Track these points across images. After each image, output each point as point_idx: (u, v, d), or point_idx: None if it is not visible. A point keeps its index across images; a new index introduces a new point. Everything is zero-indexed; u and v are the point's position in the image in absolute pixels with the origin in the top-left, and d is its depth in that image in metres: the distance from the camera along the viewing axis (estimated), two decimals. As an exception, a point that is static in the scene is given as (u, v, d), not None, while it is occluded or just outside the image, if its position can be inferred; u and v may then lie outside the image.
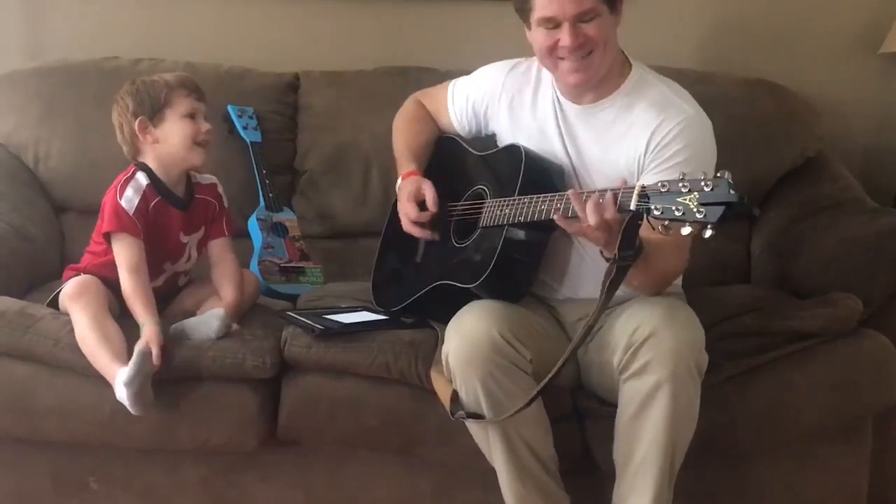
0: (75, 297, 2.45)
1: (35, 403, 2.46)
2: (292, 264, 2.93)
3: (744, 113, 3.03)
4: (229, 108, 3.08)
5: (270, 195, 3.03)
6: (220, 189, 2.68)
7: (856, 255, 2.66)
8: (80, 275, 2.54)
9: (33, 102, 3.05)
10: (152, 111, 2.53)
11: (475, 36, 3.23)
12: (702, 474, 2.49)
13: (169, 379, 2.40)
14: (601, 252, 2.17)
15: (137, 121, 2.53)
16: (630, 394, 2.25)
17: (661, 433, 2.22)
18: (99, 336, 2.38)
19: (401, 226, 2.58)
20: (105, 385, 2.38)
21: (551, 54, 2.37)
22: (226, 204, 2.68)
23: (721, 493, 2.57)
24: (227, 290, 2.58)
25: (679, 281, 2.54)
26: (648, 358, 2.21)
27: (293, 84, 3.21)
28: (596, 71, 2.37)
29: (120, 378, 2.31)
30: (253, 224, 2.97)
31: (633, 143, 2.37)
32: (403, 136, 2.71)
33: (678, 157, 2.32)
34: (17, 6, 3.28)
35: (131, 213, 2.48)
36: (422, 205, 2.53)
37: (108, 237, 2.50)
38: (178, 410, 2.45)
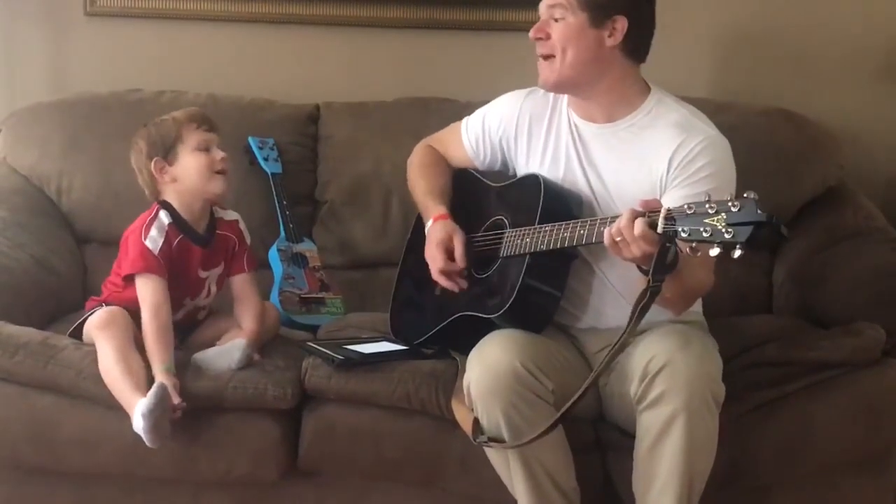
0: (103, 327, 2.46)
1: (57, 434, 2.46)
2: (312, 295, 2.93)
3: (764, 142, 3.03)
4: (250, 139, 3.09)
5: (291, 226, 3.03)
6: (243, 226, 2.69)
7: (879, 285, 2.65)
8: (102, 306, 2.55)
9: (56, 135, 3.07)
10: (165, 150, 2.55)
11: (495, 67, 3.24)
12: (724, 506, 2.48)
13: (190, 409, 2.40)
14: (638, 267, 2.14)
15: (153, 162, 2.55)
16: (646, 425, 2.24)
17: (679, 464, 2.21)
18: (123, 367, 2.39)
19: (419, 257, 2.58)
20: (127, 416, 2.39)
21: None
22: (248, 240, 2.69)
23: (743, 525, 2.55)
24: (247, 321, 2.59)
25: (700, 308, 2.53)
26: (663, 388, 2.20)
27: (314, 115, 3.22)
28: (558, 78, 2.39)
29: (139, 409, 2.32)
30: (273, 255, 2.98)
31: (654, 163, 2.37)
32: (424, 179, 2.69)
33: (703, 172, 2.31)
34: (41, 40, 3.31)
35: (156, 252, 2.50)
36: (451, 253, 2.50)
37: (131, 277, 2.51)
38: (199, 441, 2.45)
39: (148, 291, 2.48)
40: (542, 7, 2.42)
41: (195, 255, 2.58)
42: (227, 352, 2.49)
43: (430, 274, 2.58)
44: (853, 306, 2.64)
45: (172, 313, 2.53)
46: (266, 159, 3.08)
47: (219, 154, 2.56)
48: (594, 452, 2.45)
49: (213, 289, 2.65)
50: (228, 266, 2.65)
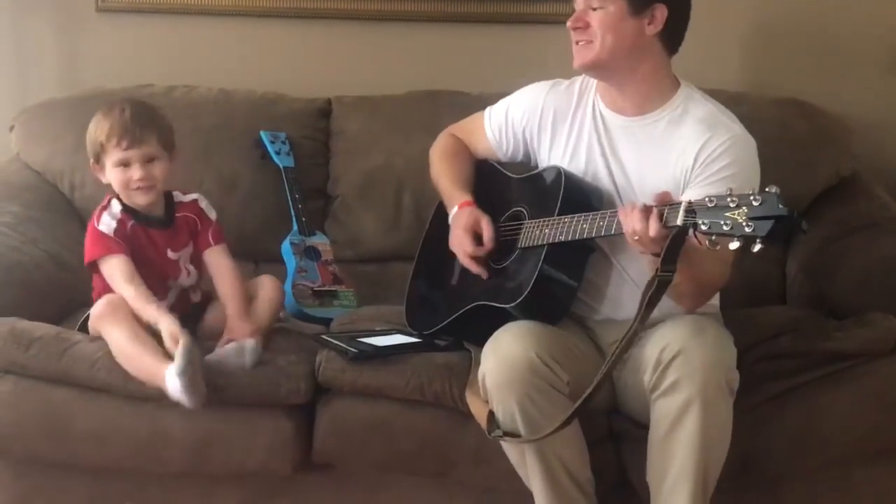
0: (107, 314, 2.48)
1: (72, 428, 2.47)
2: (325, 288, 2.93)
3: (777, 133, 3.01)
4: (262, 133, 3.10)
5: (303, 220, 3.04)
6: (203, 203, 2.70)
7: (893, 275, 2.64)
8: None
9: (69, 130, 3.08)
10: (95, 156, 2.60)
11: (507, 60, 3.24)
12: (738, 498, 2.48)
13: (204, 404, 2.41)
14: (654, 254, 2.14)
15: (90, 161, 2.60)
16: (661, 413, 2.24)
17: (694, 451, 2.20)
18: (138, 345, 2.42)
19: (437, 248, 2.58)
20: (142, 408, 2.42)
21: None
22: (212, 217, 2.69)
23: (757, 517, 2.55)
24: (229, 303, 2.59)
25: (717, 301, 2.52)
26: (677, 376, 2.20)
27: (325, 109, 3.22)
28: (593, 59, 2.38)
29: (171, 372, 2.33)
30: (286, 248, 2.98)
31: (680, 158, 2.36)
32: (448, 167, 2.69)
33: (725, 171, 2.31)
34: (53, 36, 3.32)
35: (111, 234, 2.54)
36: (478, 238, 2.50)
37: (94, 266, 2.56)
38: (213, 435, 2.46)
39: (113, 269, 2.52)
40: None
41: (157, 238, 2.61)
42: (237, 352, 2.48)
43: (448, 263, 2.59)
44: (867, 297, 2.63)
45: (162, 297, 2.57)
46: (278, 153, 3.08)
47: (137, 174, 2.56)
48: (608, 443, 2.45)
49: (192, 269, 2.67)
50: (196, 244, 2.67)
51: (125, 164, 2.56)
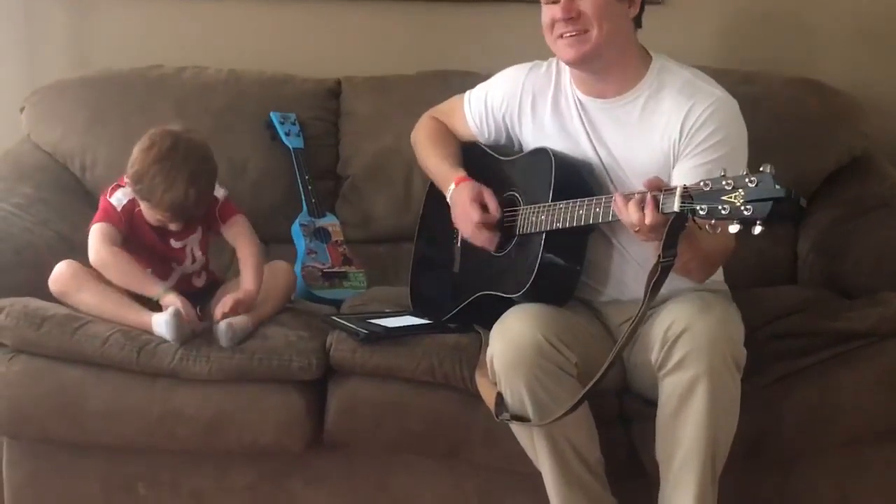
0: (67, 280, 2.52)
1: (84, 407, 2.48)
2: (335, 269, 2.94)
3: (788, 112, 3.01)
4: (272, 114, 3.09)
5: (313, 201, 3.04)
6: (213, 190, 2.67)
7: (905, 255, 2.63)
8: None
9: (79, 111, 3.09)
10: (136, 192, 2.54)
11: (517, 39, 3.19)
12: (749, 478, 2.48)
13: (216, 381, 2.44)
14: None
15: (128, 180, 2.55)
16: (669, 390, 2.24)
17: (702, 428, 2.20)
18: (111, 303, 2.49)
19: (435, 234, 2.57)
20: (154, 386, 2.45)
21: (552, 31, 2.37)
22: (220, 196, 2.65)
23: (768, 497, 2.55)
24: (244, 277, 2.58)
25: (722, 277, 2.52)
26: (684, 353, 2.19)
27: (335, 90, 3.22)
28: (592, 49, 2.35)
29: (157, 323, 2.45)
30: (296, 229, 2.98)
31: (665, 132, 2.35)
32: (435, 148, 2.68)
33: (714, 137, 2.30)
34: (63, 16, 3.32)
35: (119, 209, 2.55)
36: (484, 207, 2.48)
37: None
38: (225, 412, 2.47)
39: (96, 236, 2.54)
40: None
41: (160, 228, 2.59)
42: (223, 330, 2.48)
43: (448, 251, 2.58)
44: (879, 277, 2.62)
45: (164, 278, 2.58)
46: (288, 134, 3.08)
47: (174, 227, 2.56)
48: (618, 423, 2.45)
49: (198, 254, 2.66)
50: (207, 228, 2.66)
51: (162, 223, 2.56)
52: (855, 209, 2.88)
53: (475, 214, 2.45)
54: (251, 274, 2.58)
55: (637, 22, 2.42)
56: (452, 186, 2.54)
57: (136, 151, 2.52)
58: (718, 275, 2.49)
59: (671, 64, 2.43)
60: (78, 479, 2.60)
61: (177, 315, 2.44)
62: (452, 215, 2.54)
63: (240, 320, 2.49)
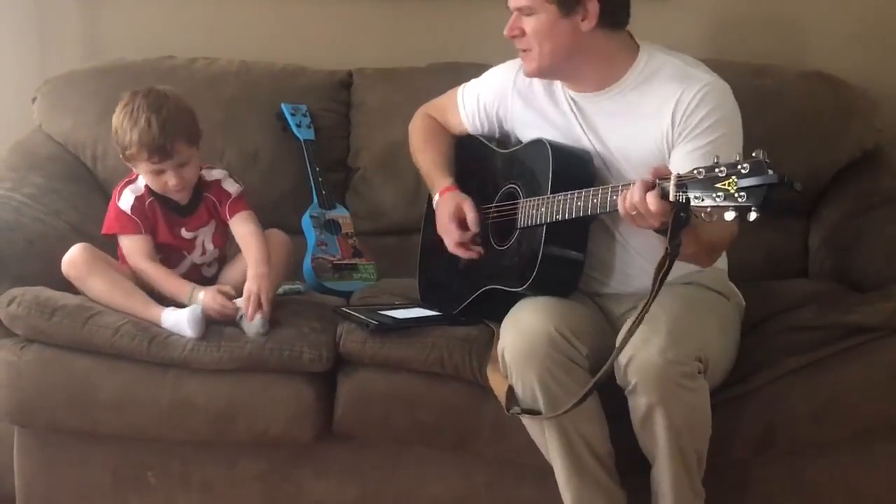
0: (80, 265, 2.54)
1: (95, 396, 2.49)
2: (345, 261, 2.94)
3: (800, 106, 3.00)
4: (283, 106, 3.10)
5: (324, 192, 3.04)
6: (227, 183, 2.68)
7: (916, 249, 2.63)
8: None
9: (91, 102, 3.09)
10: (124, 157, 2.57)
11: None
12: (758, 470, 2.48)
13: (226, 371, 2.44)
14: (656, 230, 2.10)
15: (119, 156, 2.59)
16: (632, 407, 2.25)
17: (668, 441, 2.22)
18: (119, 294, 2.51)
19: (436, 232, 2.58)
20: (164, 376, 2.46)
21: None
22: (231, 191, 2.67)
23: (777, 490, 2.54)
24: (249, 269, 2.58)
25: (725, 265, 2.51)
26: (635, 381, 2.21)
27: (346, 81, 3.22)
28: (538, 68, 2.37)
29: (166, 318, 2.48)
30: (306, 221, 2.98)
31: (658, 119, 2.34)
32: (427, 151, 2.69)
33: (707, 121, 2.29)
34: (75, 7, 3.33)
35: (129, 212, 2.58)
36: (463, 223, 2.51)
37: (109, 235, 2.64)
38: (235, 402, 2.48)
39: (131, 249, 2.59)
40: (511, 4, 2.37)
41: (171, 219, 2.62)
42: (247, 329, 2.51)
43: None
44: (890, 271, 2.61)
45: (173, 266, 2.62)
46: (299, 126, 3.08)
47: (171, 180, 2.55)
48: (628, 417, 2.44)
49: (209, 247, 2.67)
50: (219, 222, 2.67)
51: (158, 172, 2.56)
52: (866, 203, 2.87)
53: (454, 234, 2.49)
54: (256, 263, 2.57)
55: (613, 26, 2.36)
56: (437, 197, 2.58)
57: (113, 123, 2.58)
58: (721, 262, 2.47)
59: (661, 53, 2.41)
60: (88, 469, 2.61)
61: (200, 314, 2.46)
62: (437, 224, 2.57)
63: (266, 311, 2.51)
